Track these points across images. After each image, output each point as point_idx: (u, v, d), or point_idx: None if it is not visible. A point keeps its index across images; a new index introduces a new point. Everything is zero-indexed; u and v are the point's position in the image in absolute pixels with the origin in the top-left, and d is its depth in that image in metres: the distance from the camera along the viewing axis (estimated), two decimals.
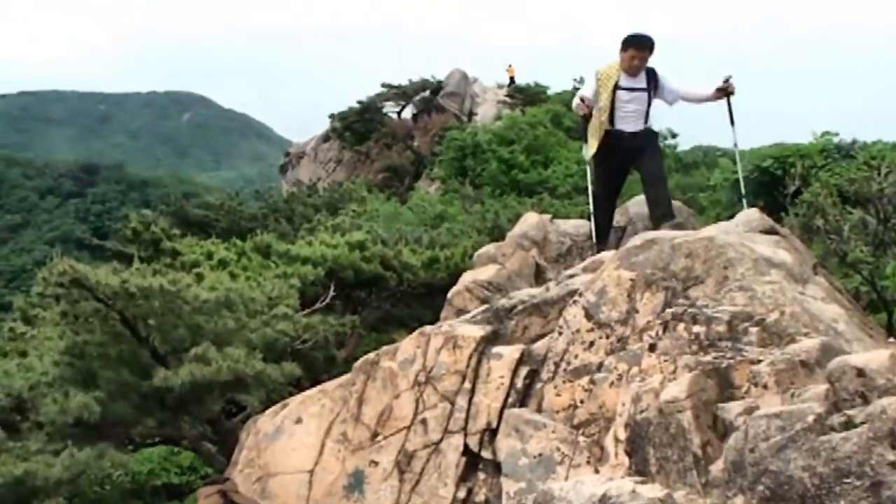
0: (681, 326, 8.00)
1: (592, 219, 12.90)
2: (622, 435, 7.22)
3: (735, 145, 13.41)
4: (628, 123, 12.35)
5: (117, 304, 14.40)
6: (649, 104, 12.44)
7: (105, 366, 14.95)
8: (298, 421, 10.51)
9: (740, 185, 14.74)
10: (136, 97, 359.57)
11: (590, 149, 12.58)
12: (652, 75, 12.37)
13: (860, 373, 5.86)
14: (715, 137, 50.93)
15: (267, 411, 11.35)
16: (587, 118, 12.60)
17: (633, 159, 12.64)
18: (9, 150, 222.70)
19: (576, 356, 8.83)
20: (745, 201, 13.26)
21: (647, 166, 12.56)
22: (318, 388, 10.86)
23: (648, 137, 12.60)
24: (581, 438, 8.11)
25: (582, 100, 12.44)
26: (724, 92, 12.55)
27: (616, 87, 12.21)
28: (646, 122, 12.49)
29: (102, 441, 14.73)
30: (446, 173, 45.65)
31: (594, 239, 12.77)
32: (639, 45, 12.16)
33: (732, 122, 12.88)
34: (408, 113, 67.94)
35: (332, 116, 69.00)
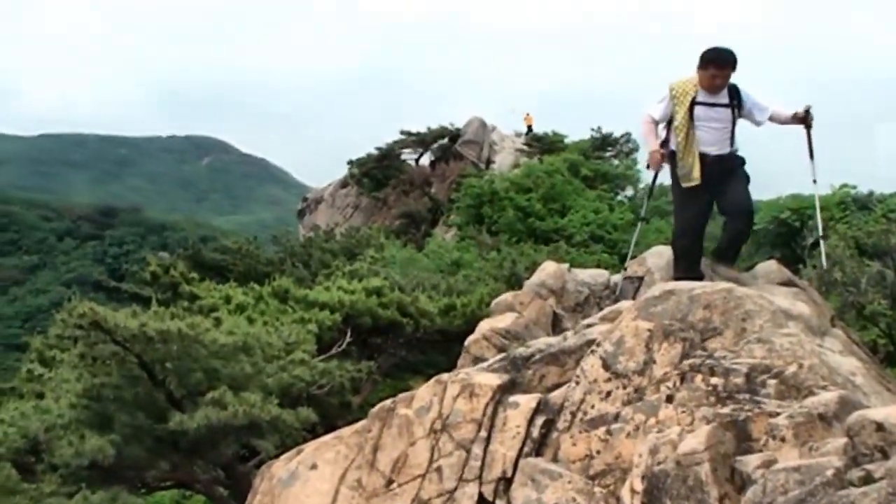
0: (699, 378, 7.98)
1: (673, 248, 11.58)
2: (639, 486, 7.17)
3: (814, 181, 11.77)
4: (711, 146, 10.82)
5: (135, 347, 14.45)
6: (734, 123, 10.94)
7: (121, 409, 14.99)
8: (313, 467, 10.47)
9: (817, 221, 13.06)
10: (156, 141, 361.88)
11: (693, 170, 10.82)
12: (734, 91, 10.86)
13: (879, 427, 5.84)
14: None
15: (281, 457, 11.29)
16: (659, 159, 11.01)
17: (715, 188, 10.92)
18: (29, 192, 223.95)
19: (592, 406, 8.79)
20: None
21: (733, 197, 10.92)
22: (334, 434, 10.81)
23: (735, 162, 11.04)
24: (597, 489, 8.06)
25: (654, 122, 11.06)
26: (801, 121, 11.15)
27: (695, 102, 10.75)
28: (731, 144, 10.93)
29: (116, 484, 14.75)
30: (463, 220, 45.76)
31: (676, 267, 11.38)
32: (720, 63, 10.70)
33: (812, 157, 11.51)
34: (426, 160, 68.14)
35: (350, 162, 69.29)
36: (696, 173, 10.70)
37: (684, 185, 10.88)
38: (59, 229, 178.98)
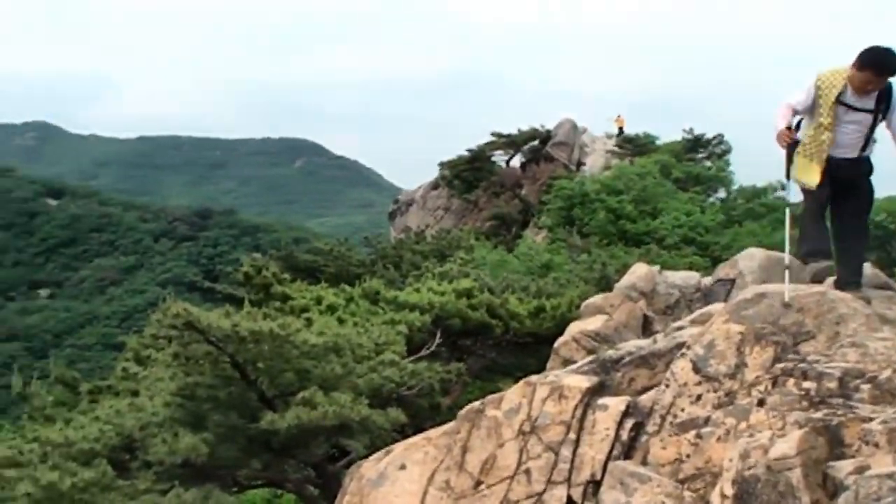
0: (791, 382, 7.89)
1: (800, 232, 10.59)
2: (729, 491, 7.11)
3: None
4: (842, 149, 9.99)
5: (228, 347, 14.61)
6: (872, 129, 10.02)
7: (214, 408, 15.17)
8: (402, 468, 10.52)
9: None
10: (249, 144, 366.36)
11: (811, 174, 10.05)
12: (885, 94, 9.87)
13: None
14: None
15: (371, 457, 11.36)
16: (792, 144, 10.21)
17: (842, 193, 10.16)
18: (127, 194, 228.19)
19: (682, 409, 8.73)
20: None
21: (851, 207, 10.21)
22: (423, 435, 10.86)
23: (864, 169, 10.24)
24: (687, 493, 8.00)
25: (793, 111, 10.22)
26: None
27: (838, 100, 9.85)
28: (863, 149, 10.08)
29: (209, 482, 14.92)
30: (554, 222, 45.64)
31: (800, 251, 10.52)
32: (879, 70, 9.66)
33: None
34: (516, 162, 68.04)
35: (441, 164, 69.44)
36: (814, 179, 10.00)
37: (798, 183, 10.25)
38: (156, 230, 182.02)
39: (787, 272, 9.71)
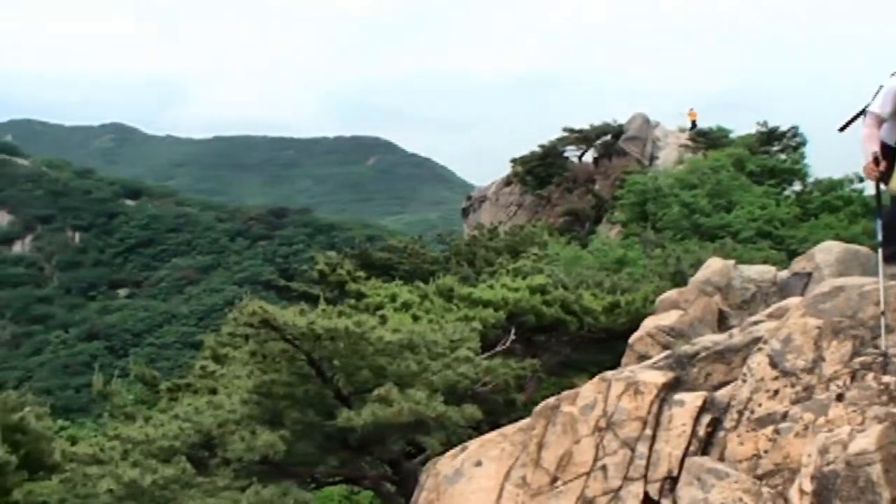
0: (870, 376, 7.80)
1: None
2: (808, 487, 7.05)
3: None
4: None
5: (304, 344, 14.75)
6: None
7: (291, 405, 15.32)
8: (478, 464, 10.54)
9: None
10: (323, 142, 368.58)
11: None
12: None
13: None
14: None
15: (447, 454, 11.39)
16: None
17: None
18: (203, 194, 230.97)
19: (760, 405, 8.67)
20: None
21: None
22: (498, 431, 10.87)
23: None
24: (765, 489, 7.95)
25: (879, 121, 9.66)
26: None
27: None
28: None
29: (286, 479, 15.06)
30: (627, 217, 45.44)
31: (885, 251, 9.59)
32: None
33: None
34: (589, 157, 67.76)
35: (513, 161, 69.33)
36: None
37: (887, 188, 9.63)
38: (232, 230, 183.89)
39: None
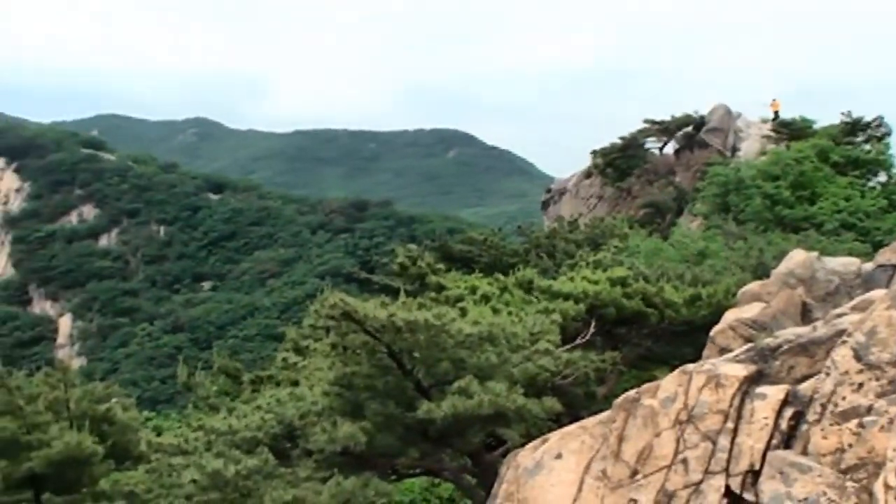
0: None
1: None
2: (893, 482, 6.97)
3: None
4: None
5: (384, 336, 14.82)
6: None
7: (371, 397, 15.41)
8: (558, 456, 10.54)
9: None
10: (403, 136, 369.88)
11: None
12: None
13: None
14: None
15: (527, 446, 11.41)
16: None
17: None
18: (284, 187, 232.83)
19: (844, 398, 8.57)
20: None
21: None
22: (579, 424, 10.87)
23: None
24: (849, 483, 7.86)
25: None
26: None
27: None
28: None
29: (367, 470, 15.17)
30: (709, 209, 44.95)
31: None
32: None
33: None
34: (670, 149, 67.21)
35: (593, 153, 69.00)
36: None
37: None
38: (313, 223, 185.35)
39: None
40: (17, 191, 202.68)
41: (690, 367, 9.96)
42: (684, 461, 9.30)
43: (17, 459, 20.58)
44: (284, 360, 21.88)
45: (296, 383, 19.01)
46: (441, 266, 26.64)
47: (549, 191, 79.21)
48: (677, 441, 9.45)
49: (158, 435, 21.48)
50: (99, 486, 20.93)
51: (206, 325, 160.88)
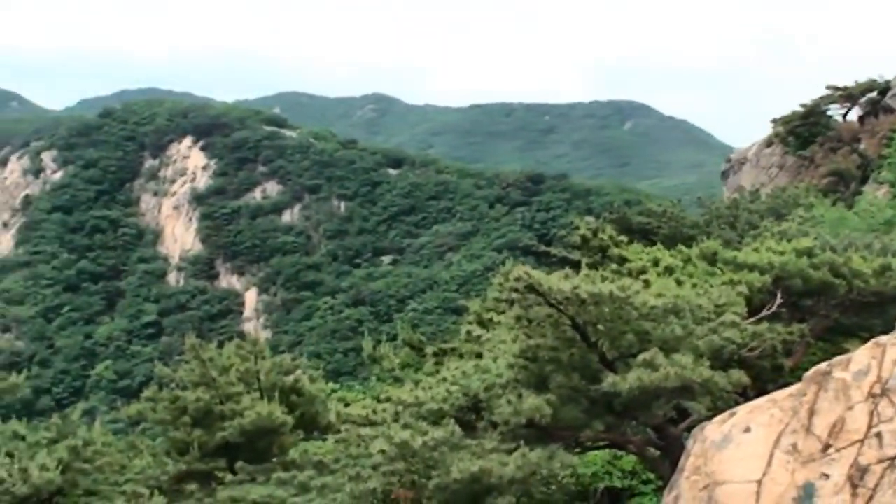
0: None
1: None
2: None
3: None
4: None
5: (568, 309, 14.93)
6: None
7: (556, 369, 15.54)
8: (747, 430, 10.47)
9: None
10: (579, 107, 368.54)
11: None
12: None
13: None
14: None
15: (714, 419, 11.34)
16: None
17: None
18: (462, 161, 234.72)
19: None
20: None
21: None
22: (768, 397, 10.77)
23: None
24: None
25: None
26: None
27: None
28: None
29: (552, 443, 15.29)
30: (895, 177, 43.70)
31: None
32: None
33: None
34: (854, 115, 65.39)
35: (774, 121, 67.58)
36: None
37: None
38: (490, 197, 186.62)
39: None
40: (204, 168, 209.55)
41: (884, 339, 9.78)
42: (878, 435, 9.16)
43: (212, 429, 21.41)
44: (468, 332, 22.11)
45: (479, 356, 19.23)
46: (622, 238, 26.57)
47: (728, 160, 77.92)
48: (871, 415, 9.30)
49: (346, 406, 22.00)
50: (288, 456, 21.58)
51: (387, 298, 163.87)
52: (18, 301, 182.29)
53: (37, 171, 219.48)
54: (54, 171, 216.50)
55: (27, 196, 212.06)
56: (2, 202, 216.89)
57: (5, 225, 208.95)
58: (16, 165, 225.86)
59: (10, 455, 18.49)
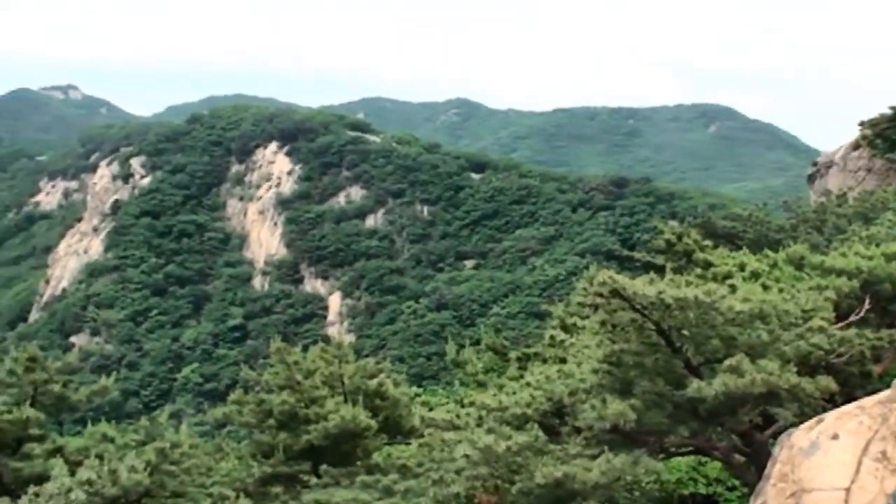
0: None
1: None
2: None
3: None
4: None
5: (653, 314, 14.85)
6: None
7: (640, 375, 15.47)
8: (834, 437, 10.34)
9: None
10: (662, 111, 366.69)
11: None
12: None
13: None
14: None
15: (802, 426, 11.21)
16: None
17: None
18: (545, 165, 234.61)
19: None
20: None
21: None
22: (856, 403, 10.63)
23: None
24: None
25: None
26: None
27: None
28: None
29: (636, 448, 15.22)
30: None
31: None
32: None
33: None
34: None
35: (861, 124, 66.62)
36: None
37: None
38: (573, 201, 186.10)
39: None
40: (289, 173, 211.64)
41: None
42: None
43: (297, 432, 21.57)
44: (552, 337, 22.08)
45: (563, 360, 19.19)
46: (707, 242, 26.35)
47: (815, 164, 76.91)
48: None
49: (429, 410, 22.08)
50: (372, 459, 21.70)
51: (469, 302, 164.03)
52: (108, 304, 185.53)
53: (126, 176, 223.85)
54: (143, 177, 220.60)
55: (116, 201, 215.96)
56: (92, 207, 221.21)
57: (95, 230, 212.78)
58: (105, 171, 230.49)
59: (99, 457, 18.76)
